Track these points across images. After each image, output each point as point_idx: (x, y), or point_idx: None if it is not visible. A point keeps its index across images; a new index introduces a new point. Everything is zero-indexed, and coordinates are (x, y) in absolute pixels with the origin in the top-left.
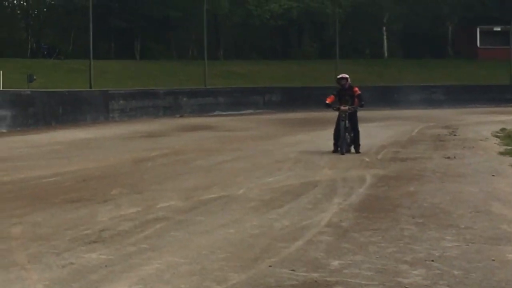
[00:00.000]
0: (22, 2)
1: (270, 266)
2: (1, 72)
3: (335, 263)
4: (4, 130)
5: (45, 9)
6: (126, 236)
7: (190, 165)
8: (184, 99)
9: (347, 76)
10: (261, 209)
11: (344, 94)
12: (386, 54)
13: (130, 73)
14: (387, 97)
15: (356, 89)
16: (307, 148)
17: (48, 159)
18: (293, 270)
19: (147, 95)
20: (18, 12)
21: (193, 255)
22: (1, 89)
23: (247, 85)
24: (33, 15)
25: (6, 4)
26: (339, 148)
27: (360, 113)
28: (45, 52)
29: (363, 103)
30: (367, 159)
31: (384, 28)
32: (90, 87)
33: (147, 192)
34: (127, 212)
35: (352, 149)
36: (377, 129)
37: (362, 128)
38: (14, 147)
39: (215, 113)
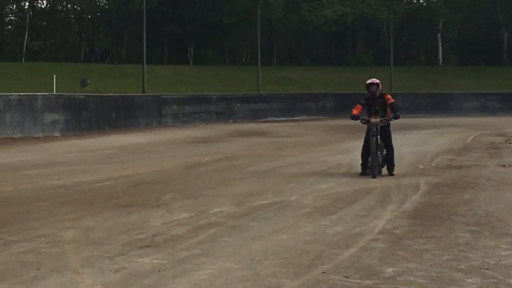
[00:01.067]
0: (76, 7)
1: (323, 272)
2: (54, 76)
3: (389, 270)
4: (58, 134)
5: (98, 14)
6: (179, 241)
7: (243, 170)
8: (237, 104)
9: (378, 81)
10: (314, 215)
11: (374, 103)
12: (441, 61)
13: (183, 78)
14: (441, 104)
15: (389, 96)
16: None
17: (101, 163)
18: (346, 277)
19: (200, 100)
20: (72, 16)
21: (246, 261)
22: (54, 93)
23: (300, 91)
24: (86, 19)
25: (60, 9)
26: (368, 170)
27: (414, 120)
28: (99, 57)
29: (398, 113)
30: (421, 166)
31: (439, 35)
32: (143, 92)
33: (199, 198)
34: (180, 217)
35: (384, 170)
36: (431, 136)
37: (416, 135)
38: (67, 151)
39: (268, 119)
